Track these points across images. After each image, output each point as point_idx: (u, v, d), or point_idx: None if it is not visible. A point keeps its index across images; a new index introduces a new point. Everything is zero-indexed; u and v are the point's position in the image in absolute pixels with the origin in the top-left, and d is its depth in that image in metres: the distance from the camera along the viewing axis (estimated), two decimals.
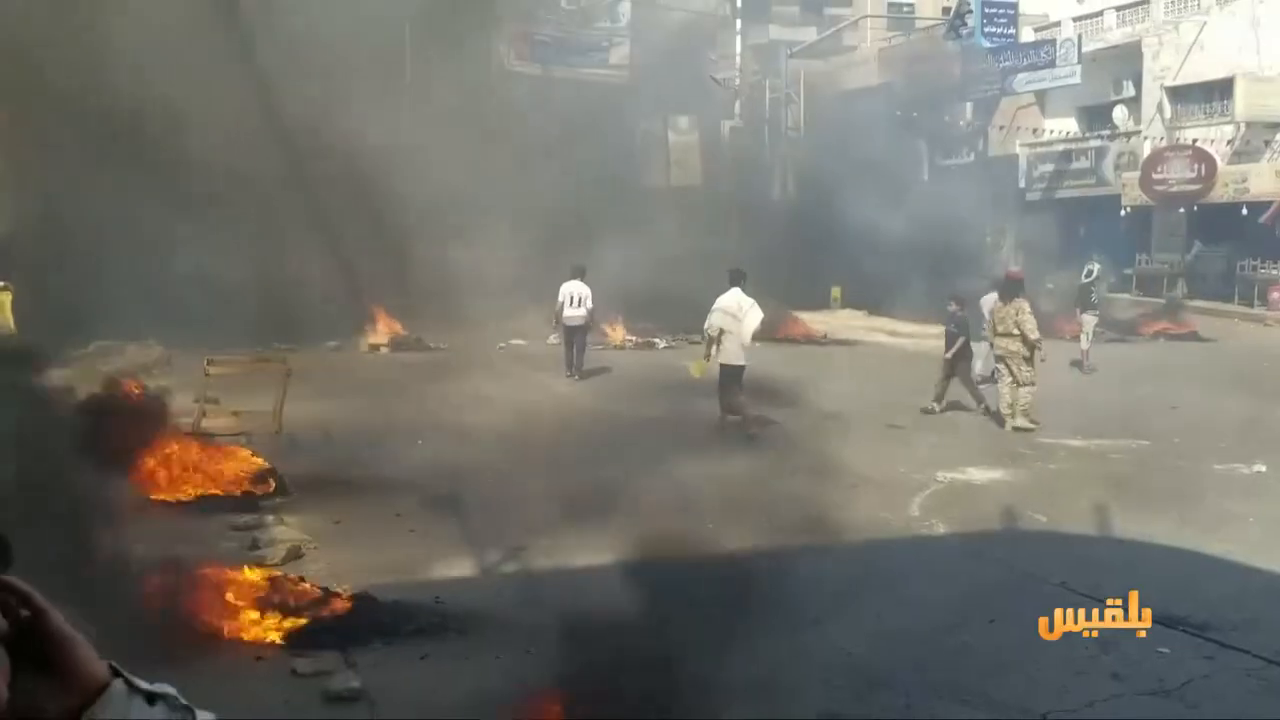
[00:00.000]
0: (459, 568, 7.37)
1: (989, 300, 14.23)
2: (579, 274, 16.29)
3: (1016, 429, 12.68)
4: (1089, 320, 18.04)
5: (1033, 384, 12.90)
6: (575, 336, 16.22)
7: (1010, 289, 13.40)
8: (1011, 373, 12.87)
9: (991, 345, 13.37)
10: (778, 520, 8.50)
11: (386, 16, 23.20)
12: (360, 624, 6.14)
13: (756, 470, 10.44)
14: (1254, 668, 5.91)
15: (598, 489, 9.17)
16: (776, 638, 6.17)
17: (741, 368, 12.27)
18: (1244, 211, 28.81)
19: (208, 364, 12.15)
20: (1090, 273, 18.69)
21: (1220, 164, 29.35)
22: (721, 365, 12.24)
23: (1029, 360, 12.84)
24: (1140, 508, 9.15)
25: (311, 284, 20.40)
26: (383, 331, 19.21)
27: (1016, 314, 12.83)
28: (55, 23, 16.62)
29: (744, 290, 12.37)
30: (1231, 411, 13.88)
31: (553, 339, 17.39)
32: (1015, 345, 12.84)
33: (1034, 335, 12.76)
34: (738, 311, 12.17)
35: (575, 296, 16.10)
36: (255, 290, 20.44)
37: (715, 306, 12.32)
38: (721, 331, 12.15)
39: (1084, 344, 17.79)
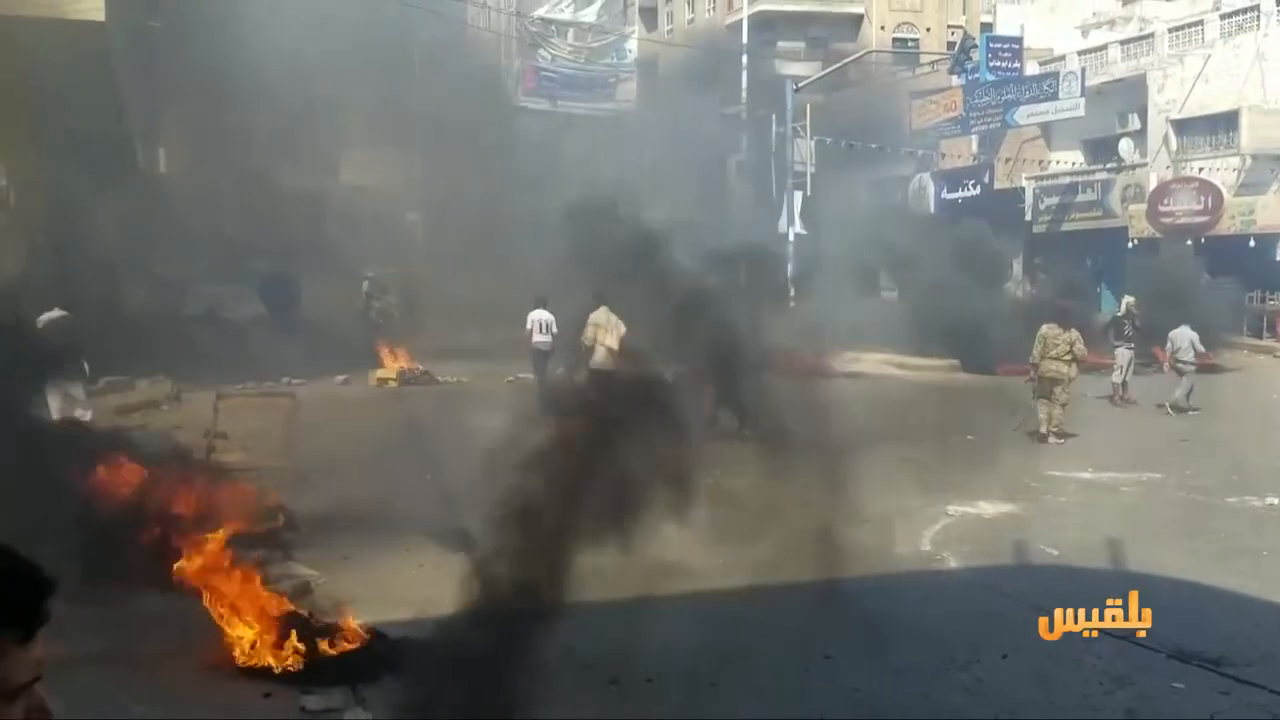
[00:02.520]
0: (468, 602, 7.33)
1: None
2: (542, 303, 17.17)
3: (1054, 439, 13.97)
4: (1124, 354, 18.05)
5: (1065, 403, 14.26)
6: (543, 361, 17.07)
7: (1064, 316, 14.60)
8: (1054, 393, 14.06)
9: (1036, 366, 14.24)
10: (787, 553, 8.46)
11: (394, 58, 23.53)
12: (369, 660, 6.12)
13: (767, 502, 10.39)
14: (1270, 703, 5.85)
15: (604, 519, 9.13)
16: (786, 673, 6.13)
17: (610, 372, 14.09)
18: (1251, 243, 28.83)
19: (217, 398, 12.20)
20: (1126, 306, 18.75)
21: (1227, 196, 29.39)
22: (591, 369, 14.34)
23: (1071, 380, 14.21)
24: (1152, 541, 9.10)
25: (320, 318, 20.50)
26: (391, 366, 19.26)
27: (1073, 344, 14.12)
28: (71, 65, 16.82)
29: (610, 308, 14.54)
30: (1243, 443, 13.83)
31: (560, 371, 17.59)
32: (1065, 368, 14.06)
33: (1084, 359, 14.57)
34: (606, 324, 14.46)
35: (542, 323, 16.97)
36: (265, 325, 20.54)
37: (589, 321, 14.60)
38: (595, 341, 14.43)
39: (1115, 377, 17.87)
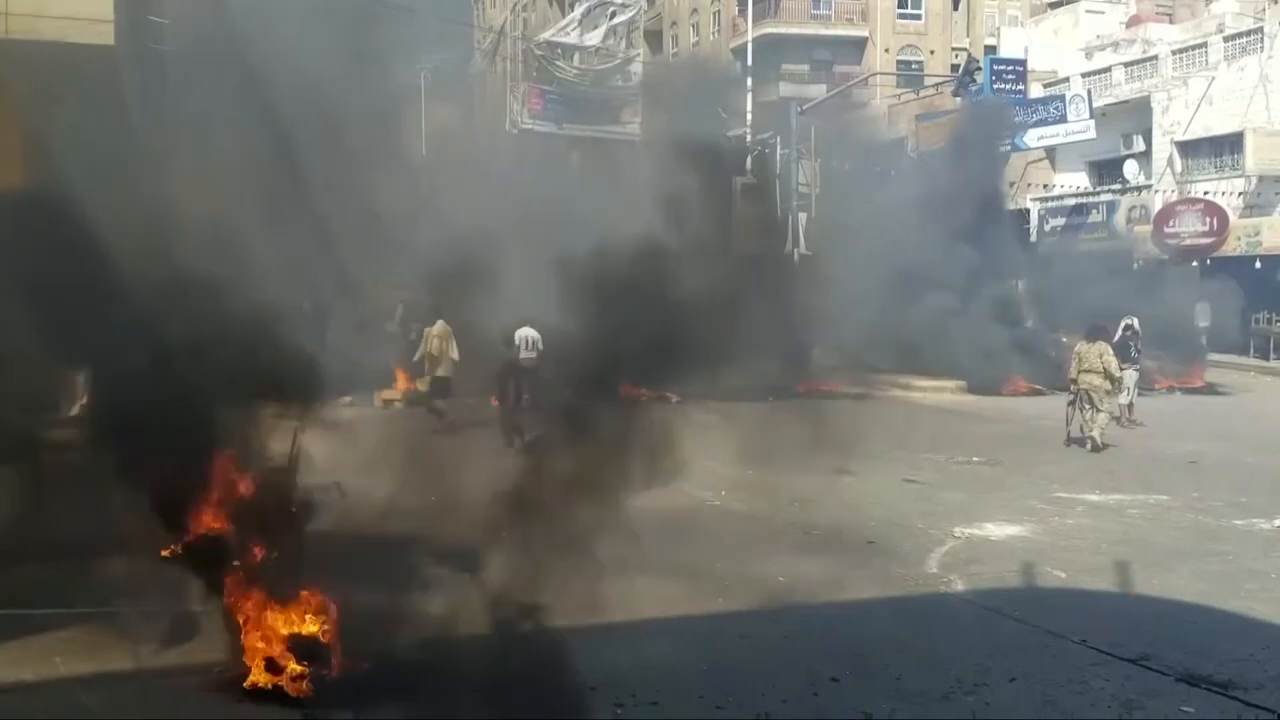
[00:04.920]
0: (477, 626, 7.31)
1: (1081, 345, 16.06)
2: (528, 321, 17.23)
3: (1096, 447, 15.01)
4: (1129, 375, 18.02)
5: (1107, 411, 15.52)
6: (527, 378, 17.02)
7: (1095, 334, 15.81)
8: (1093, 403, 15.26)
9: (1075, 380, 15.49)
10: (794, 576, 8.45)
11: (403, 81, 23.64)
12: (376, 685, 6.10)
13: (770, 526, 10.38)
14: None
15: (600, 539, 9.11)
16: (793, 696, 6.10)
17: (447, 379, 16.70)
18: (1257, 265, 28.83)
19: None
20: (1129, 327, 18.67)
21: (1232, 217, 29.42)
22: (435, 377, 16.79)
23: (1108, 392, 15.48)
24: (1160, 564, 9.07)
25: (326, 339, 20.45)
26: (399, 387, 19.25)
27: (1100, 355, 15.31)
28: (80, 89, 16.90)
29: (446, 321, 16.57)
30: (1251, 466, 13.79)
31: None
32: (1098, 380, 15.25)
33: (1116, 372, 15.59)
34: (445, 336, 16.65)
35: (528, 340, 17.02)
36: (268, 345, 20.47)
37: (432, 335, 16.83)
38: (440, 353, 16.62)
39: (1122, 399, 17.84)
